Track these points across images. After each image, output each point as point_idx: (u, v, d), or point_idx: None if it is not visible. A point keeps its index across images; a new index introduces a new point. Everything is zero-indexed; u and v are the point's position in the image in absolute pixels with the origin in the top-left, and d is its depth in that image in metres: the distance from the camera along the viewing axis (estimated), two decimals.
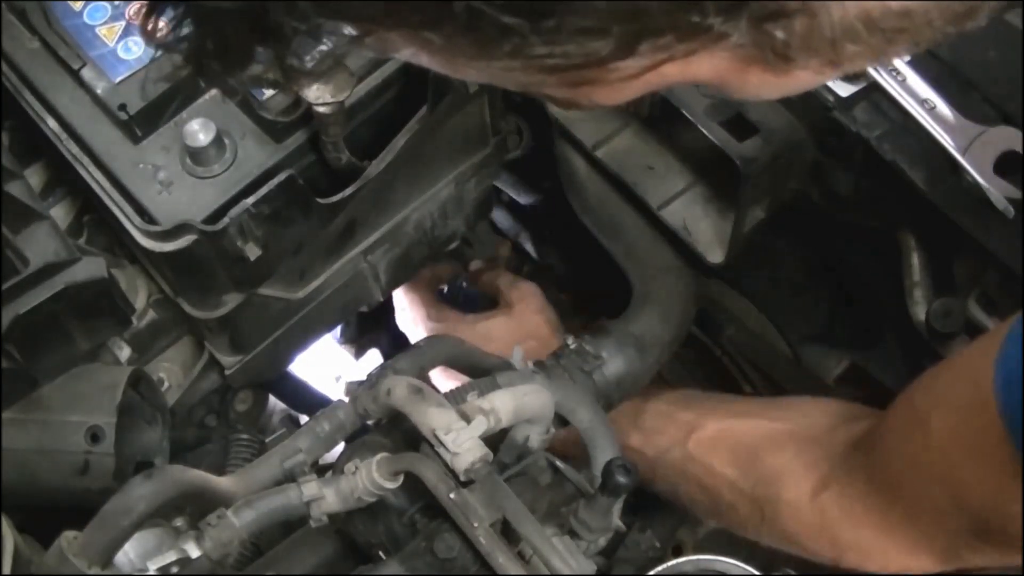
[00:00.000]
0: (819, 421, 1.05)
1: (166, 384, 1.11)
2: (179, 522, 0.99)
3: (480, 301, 1.47)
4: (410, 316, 1.41)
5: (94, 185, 0.99)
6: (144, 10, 0.53)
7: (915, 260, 1.06)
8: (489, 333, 1.31)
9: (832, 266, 1.26)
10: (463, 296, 1.50)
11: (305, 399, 1.34)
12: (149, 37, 0.56)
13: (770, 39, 0.51)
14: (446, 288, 1.51)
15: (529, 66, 0.50)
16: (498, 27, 0.47)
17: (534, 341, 1.29)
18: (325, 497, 0.87)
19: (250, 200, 0.93)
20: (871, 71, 0.99)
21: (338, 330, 1.45)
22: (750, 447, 1.06)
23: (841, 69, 0.55)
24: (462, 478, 0.83)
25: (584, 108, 0.74)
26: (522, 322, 1.33)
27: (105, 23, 1.04)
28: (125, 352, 1.07)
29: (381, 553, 0.92)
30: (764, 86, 0.57)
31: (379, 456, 0.86)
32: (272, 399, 1.32)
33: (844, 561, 0.96)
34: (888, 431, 0.90)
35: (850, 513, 0.94)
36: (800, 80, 0.56)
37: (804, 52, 0.52)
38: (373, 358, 1.48)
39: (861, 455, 0.94)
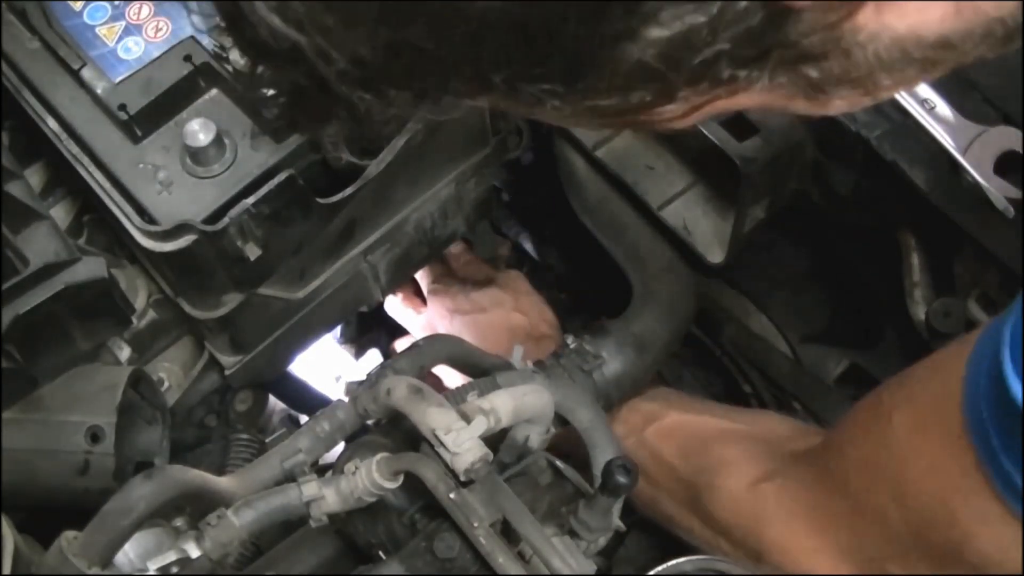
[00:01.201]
0: (777, 429, 1.06)
1: (166, 384, 1.11)
2: (179, 522, 0.99)
3: None
4: (419, 282, 1.43)
5: (94, 185, 0.99)
6: (248, 71, 0.61)
7: (915, 260, 1.06)
8: (482, 301, 1.34)
9: (832, 266, 1.26)
10: None
11: (305, 399, 1.34)
12: (252, 90, 0.65)
13: (805, 78, 0.53)
14: None
15: (576, 112, 0.54)
16: (535, 93, 0.51)
17: (521, 315, 1.30)
18: (325, 497, 0.87)
19: (250, 200, 0.93)
20: None
21: (338, 330, 1.45)
22: (701, 439, 1.06)
23: (879, 97, 0.57)
24: (462, 478, 0.83)
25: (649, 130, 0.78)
26: (516, 296, 1.35)
27: (105, 23, 1.04)
28: (125, 352, 1.07)
29: (381, 553, 0.92)
30: (809, 110, 0.59)
31: (379, 456, 0.86)
32: (272, 399, 1.32)
33: (764, 559, 0.94)
34: (846, 427, 0.90)
35: (787, 506, 0.93)
36: (839, 106, 0.58)
37: (840, 86, 0.55)
38: (373, 358, 1.48)
39: (813, 454, 0.94)
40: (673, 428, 1.11)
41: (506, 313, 1.33)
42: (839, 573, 0.88)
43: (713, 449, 1.04)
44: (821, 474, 0.91)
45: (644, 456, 1.09)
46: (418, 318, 1.41)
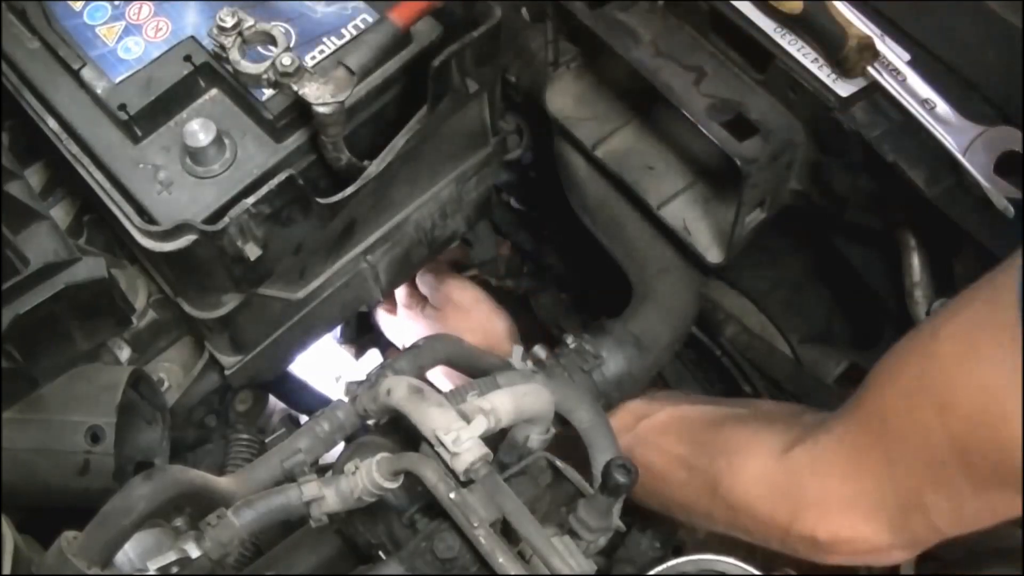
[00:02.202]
0: (783, 409, 1.07)
1: (166, 384, 1.11)
2: (179, 522, 0.99)
3: None
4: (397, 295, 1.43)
5: (94, 185, 0.99)
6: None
7: (915, 260, 1.06)
8: (432, 329, 1.35)
9: (832, 266, 1.26)
10: None
11: (305, 399, 1.34)
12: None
13: None
14: None
15: None
16: None
17: (471, 333, 1.31)
18: (325, 497, 0.87)
19: (250, 200, 0.93)
20: (871, 71, 0.99)
21: (338, 330, 1.45)
22: (707, 425, 1.06)
23: None
24: (462, 478, 0.83)
25: None
26: (465, 315, 1.36)
27: (105, 23, 1.04)
28: (125, 352, 1.07)
29: (381, 553, 0.92)
30: None
31: (379, 456, 0.86)
32: (272, 399, 1.32)
33: (795, 527, 0.94)
34: (885, 363, 0.90)
35: (821, 463, 0.93)
36: None
37: None
38: (373, 358, 1.49)
39: (842, 409, 0.94)
40: (669, 421, 1.11)
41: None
42: (873, 519, 0.88)
43: (724, 431, 1.04)
44: (854, 420, 0.91)
45: (644, 452, 1.09)
46: (394, 325, 1.41)
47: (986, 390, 0.77)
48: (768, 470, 0.97)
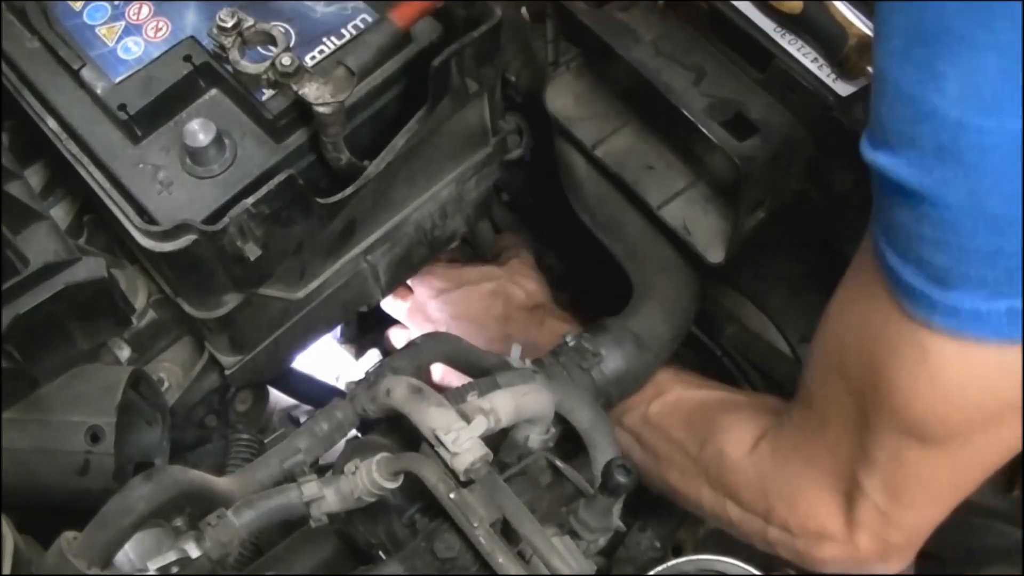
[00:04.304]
0: (777, 400, 1.08)
1: (166, 384, 1.11)
2: (179, 522, 0.99)
3: None
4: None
5: (94, 185, 0.99)
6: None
7: None
8: (470, 275, 1.35)
9: (832, 266, 1.26)
10: None
11: (312, 391, 1.34)
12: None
13: None
14: None
15: None
16: None
17: (520, 289, 1.31)
18: (325, 497, 0.87)
19: (250, 200, 0.93)
20: (871, 71, 0.99)
21: (338, 330, 1.45)
22: (704, 411, 1.08)
23: None
24: (462, 478, 0.83)
25: None
26: (509, 271, 1.36)
27: (105, 23, 1.04)
28: (125, 352, 1.07)
29: (381, 553, 0.92)
30: None
31: (379, 456, 0.86)
32: (272, 399, 1.32)
33: (772, 519, 0.96)
34: (808, 353, 0.93)
35: (780, 456, 0.95)
36: None
37: None
38: (373, 358, 1.48)
39: (793, 400, 0.97)
40: (675, 402, 1.13)
41: (498, 284, 1.33)
42: (833, 509, 0.90)
43: (714, 418, 1.06)
44: (799, 404, 0.94)
45: (650, 434, 1.11)
46: (404, 303, 1.40)
47: (865, 338, 0.80)
48: (742, 463, 0.99)
